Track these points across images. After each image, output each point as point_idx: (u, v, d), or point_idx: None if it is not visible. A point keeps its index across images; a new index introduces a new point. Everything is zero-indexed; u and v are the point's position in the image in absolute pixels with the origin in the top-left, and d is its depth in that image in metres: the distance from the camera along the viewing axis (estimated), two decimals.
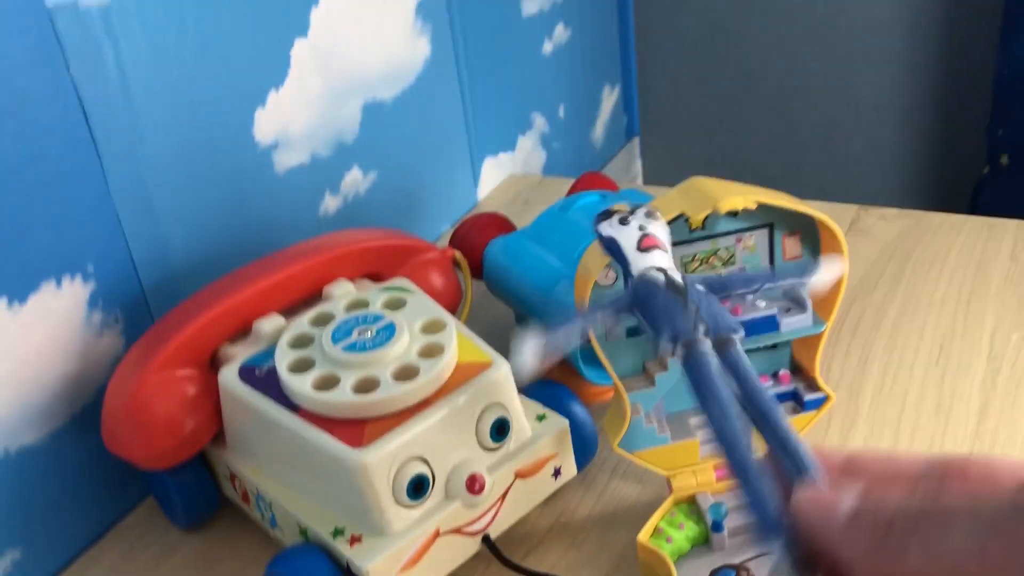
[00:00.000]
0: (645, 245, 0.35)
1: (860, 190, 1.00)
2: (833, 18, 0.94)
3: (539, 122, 0.88)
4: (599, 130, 1.01)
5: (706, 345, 0.32)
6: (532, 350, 0.34)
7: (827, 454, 0.29)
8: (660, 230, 0.36)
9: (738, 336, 0.33)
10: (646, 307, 0.34)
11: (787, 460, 0.29)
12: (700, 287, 0.34)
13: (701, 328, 0.33)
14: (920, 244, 0.65)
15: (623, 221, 0.36)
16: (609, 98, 1.02)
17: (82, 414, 0.46)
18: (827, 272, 0.37)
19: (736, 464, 0.29)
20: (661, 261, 0.35)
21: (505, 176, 0.83)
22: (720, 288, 0.36)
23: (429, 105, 0.70)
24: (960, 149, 0.95)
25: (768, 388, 0.45)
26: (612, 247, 0.36)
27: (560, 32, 0.88)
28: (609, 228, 0.36)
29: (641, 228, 0.36)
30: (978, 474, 0.25)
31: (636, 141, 1.11)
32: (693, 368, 0.32)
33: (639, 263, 0.35)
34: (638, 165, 1.12)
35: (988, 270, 0.61)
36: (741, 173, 1.06)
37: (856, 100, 0.96)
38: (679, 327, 0.33)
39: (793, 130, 1.01)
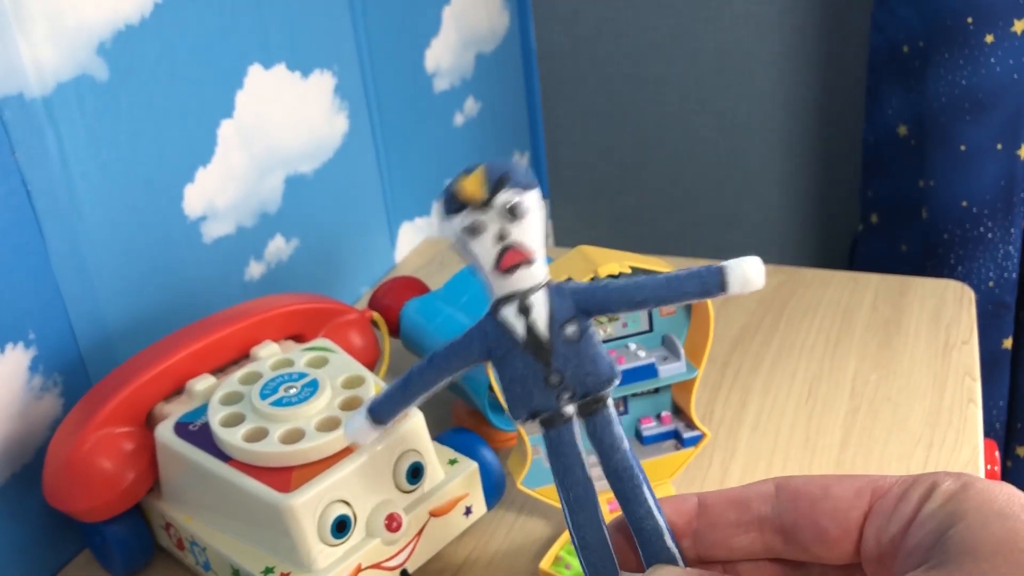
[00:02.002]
0: (506, 264, 0.28)
1: (750, 247, 1.08)
2: (721, 91, 1.03)
3: None
4: None
5: (568, 416, 0.29)
6: (358, 428, 0.31)
7: (680, 504, 0.29)
8: (526, 231, 0.28)
9: (609, 391, 0.29)
10: (500, 369, 0.29)
11: (639, 540, 0.29)
12: (571, 331, 0.29)
13: (565, 397, 0.29)
14: (794, 297, 0.72)
15: (474, 229, 0.28)
16: (519, 163, 1.09)
17: (23, 473, 0.50)
18: (745, 273, 0.29)
19: (583, 561, 0.29)
20: (528, 281, 0.28)
21: (422, 239, 0.89)
22: (601, 307, 0.29)
23: (348, 176, 0.75)
24: (838, 209, 1.04)
25: (652, 428, 0.51)
26: (465, 254, 0.29)
27: (471, 105, 0.94)
28: (459, 234, 0.28)
29: (501, 236, 0.28)
30: (824, 511, 0.28)
31: (546, 204, 1.18)
32: (550, 446, 0.29)
33: (499, 287, 0.28)
34: (549, 226, 1.19)
35: (852, 319, 0.69)
36: (642, 232, 1.14)
37: (743, 165, 1.05)
38: (537, 405, 0.29)
39: (688, 192, 1.09)
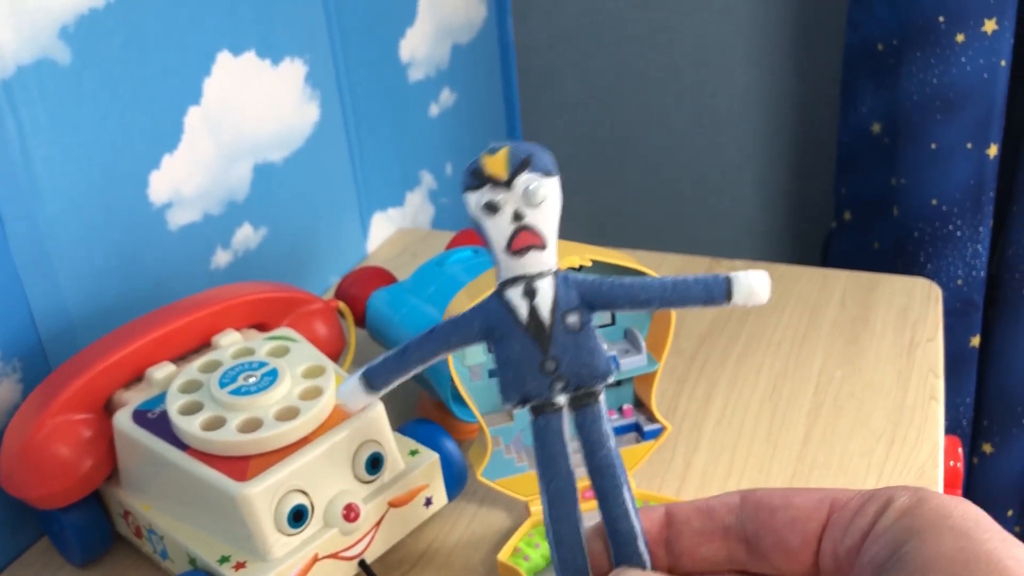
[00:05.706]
0: (518, 245, 0.28)
1: (725, 242, 1.09)
2: (699, 86, 1.03)
3: (427, 179, 0.94)
4: None
5: (558, 406, 0.29)
6: (350, 392, 0.31)
7: (649, 513, 0.30)
8: (541, 216, 0.29)
9: (602, 386, 0.29)
10: (498, 348, 0.29)
11: (612, 541, 0.29)
12: (572, 320, 0.29)
13: (558, 386, 0.29)
14: None
15: (492, 207, 0.28)
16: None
17: None
18: (751, 286, 0.29)
19: (556, 557, 0.29)
20: (537, 266, 0.29)
21: (394, 230, 0.88)
22: (605, 302, 0.30)
23: (318, 165, 0.75)
24: (812, 205, 1.04)
25: (613, 420, 0.51)
26: (479, 231, 0.29)
27: (446, 96, 0.94)
28: (477, 210, 0.29)
29: (517, 217, 0.28)
30: (784, 521, 0.28)
31: None
32: (537, 434, 0.29)
33: (508, 268, 0.29)
34: None
35: (820, 315, 0.69)
36: (620, 226, 1.14)
37: (720, 160, 1.05)
38: (530, 390, 0.29)
39: (666, 187, 1.09)
